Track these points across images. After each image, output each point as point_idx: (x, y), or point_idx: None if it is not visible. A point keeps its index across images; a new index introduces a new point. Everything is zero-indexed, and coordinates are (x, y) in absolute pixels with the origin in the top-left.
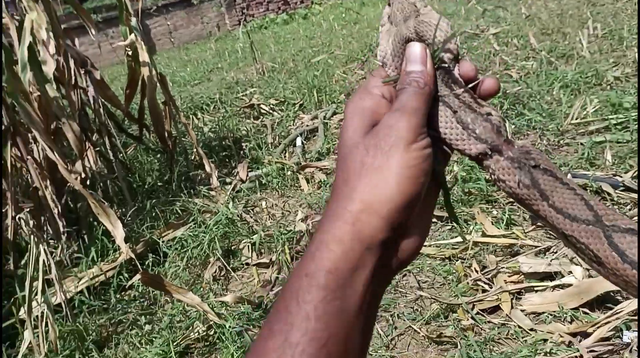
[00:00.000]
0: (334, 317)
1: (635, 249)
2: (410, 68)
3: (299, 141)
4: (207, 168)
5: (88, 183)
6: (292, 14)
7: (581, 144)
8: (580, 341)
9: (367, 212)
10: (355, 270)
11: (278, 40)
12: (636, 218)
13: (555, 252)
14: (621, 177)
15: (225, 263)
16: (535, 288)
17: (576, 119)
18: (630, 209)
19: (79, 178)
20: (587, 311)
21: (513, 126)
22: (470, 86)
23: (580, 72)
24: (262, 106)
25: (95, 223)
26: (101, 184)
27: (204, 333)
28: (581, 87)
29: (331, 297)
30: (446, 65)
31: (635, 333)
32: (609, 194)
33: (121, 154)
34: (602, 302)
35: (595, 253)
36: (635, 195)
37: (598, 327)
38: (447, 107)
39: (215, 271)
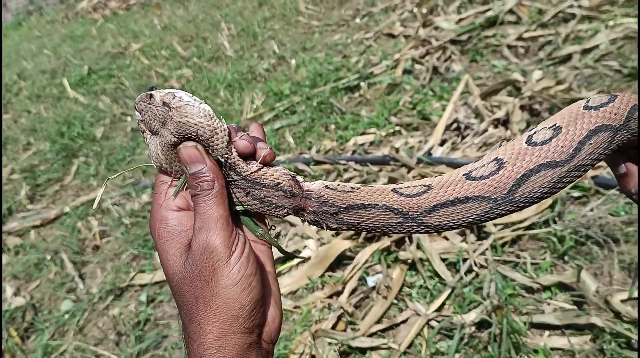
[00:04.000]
0: None
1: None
2: (193, 170)
3: None
4: None
5: None
6: None
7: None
8: (337, 299)
9: (224, 336)
10: None
11: None
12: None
13: (286, 235)
14: (308, 154)
15: None
16: (283, 271)
17: (250, 113)
18: (325, 179)
19: None
20: (332, 273)
21: None
22: (253, 166)
23: (236, 72)
24: None
25: None
26: None
27: None
28: (242, 85)
29: None
30: (224, 152)
31: (378, 276)
32: (303, 171)
33: None
34: (340, 262)
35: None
36: (327, 166)
37: (346, 283)
38: (241, 190)
39: None
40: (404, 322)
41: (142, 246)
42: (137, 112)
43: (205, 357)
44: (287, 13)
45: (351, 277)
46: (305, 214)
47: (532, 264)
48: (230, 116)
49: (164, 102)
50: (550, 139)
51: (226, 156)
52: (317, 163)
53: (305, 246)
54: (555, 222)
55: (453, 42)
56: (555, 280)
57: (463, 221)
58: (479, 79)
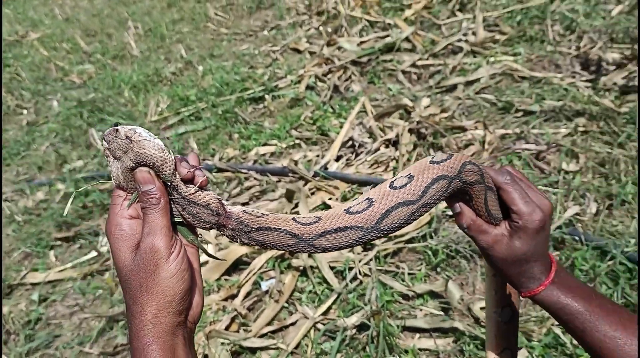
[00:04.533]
0: None
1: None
2: (144, 188)
3: None
4: None
5: None
6: None
7: (167, 138)
8: (232, 302)
9: (160, 315)
10: (175, 350)
11: None
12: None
13: None
14: (211, 161)
15: None
16: None
17: (155, 116)
18: (226, 186)
19: None
20: (228, 277)
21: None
22: (190, 189)
23: (142, 73)
24: None
25: None
26: None
27: None
28: (148, 86)
29: None
30: (170, 177)
31: (272, 281)
32: (214, 175)
33: None
34: (236, 266)
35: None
36: (228, 174)
37: (242, 287)
38: (179, 206)
39: None
40: (293, 324)
41: (35, 245)
42: (104, 142)
43: (144, 331)
44: (196, 17)
45: (246, 281)
46: (225, 230)
47: (409, 274)
48: (133, 118)
49: (127, 136)
50: (406, 184)
51: (171, 180)
52: (220, 170)
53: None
54: (431, 237)
55: (354, 62)
56: (427, 288)
57: (343, 244)
58: (375, 100)
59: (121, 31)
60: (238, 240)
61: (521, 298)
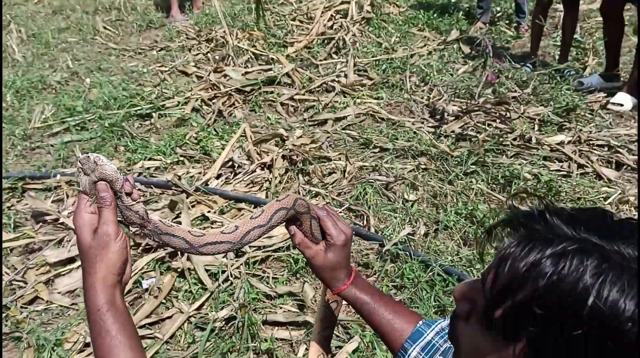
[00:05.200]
0: (120, 318)
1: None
2: (101, 194)
3: None
4: None
5: None
6: None
7: (51, 145)
8: None
9: (107, 275)
10: (114, 297)
11: None
12: None
13: (70, 240)
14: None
15: None
16: (63, 273)
17: (38, 123)
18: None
19: None
20: None
21: None
22: (129, 199)
23: (26, 79)
24: None
25: None
26: None
27: None
28: (32, 93)
29: (113, 312)
30: (119, 189)
31: (152, 280)
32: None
33: None
34: None
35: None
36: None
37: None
38: (121, 209)
39: None
40: (169, 317)
41: None
42: (79, 163)
43: (95, 284)
44: (83, 29)
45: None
46: (145, 230)
47: (273, 278)
48: (16, 122)
49: (94, 161)
50: (259, 215)
51: (119, 191)
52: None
53: None
54: (294, 248)
55: (238, 90)
56: (287, 290)
57: (218, 251)
58: (255, 126)
59: (5, 35)
60: (152, 238)
61: (333, 294)
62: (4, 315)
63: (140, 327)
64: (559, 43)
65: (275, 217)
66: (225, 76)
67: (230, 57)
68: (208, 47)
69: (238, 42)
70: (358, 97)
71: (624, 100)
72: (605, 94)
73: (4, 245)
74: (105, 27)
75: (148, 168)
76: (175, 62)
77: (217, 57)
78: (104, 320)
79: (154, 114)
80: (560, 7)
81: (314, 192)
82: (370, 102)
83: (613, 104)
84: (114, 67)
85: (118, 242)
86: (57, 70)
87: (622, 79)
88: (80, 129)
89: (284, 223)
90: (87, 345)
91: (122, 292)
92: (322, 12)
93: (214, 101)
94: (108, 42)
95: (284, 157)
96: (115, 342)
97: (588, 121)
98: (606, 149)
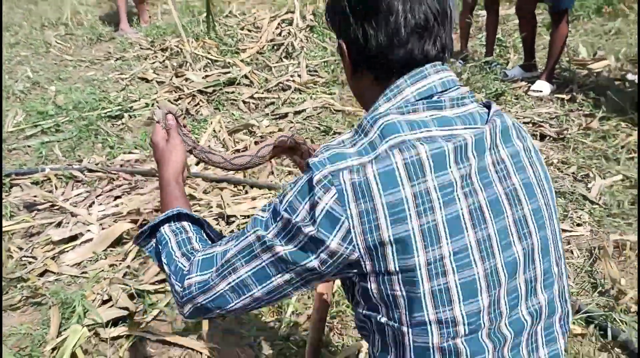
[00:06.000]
0: (182, 191)
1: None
2: (169, 122)
3: None
4: None
5: None
6: None
7: (28, 146)
8: (121, 263)
9: (175, 169)
10: (181, 189)
11: None
12: None
13: (69, 222)
14: (79, 164)
15: None
16: (66, 249)
17: (11, 127)
18: (98, 184)
19: None
20: (113, 249)
21: None
22: (185, 131)
23: None
24: None
25: None
26: None
27: None
28: None
29: (178, 187)
30: (179, 122)
31: None
32: (76, 176)
33: None
34: (119, 242)
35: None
36: (99, 174)
37: (128, 254)
38: (180, 136)
39: None
40: None
41: None
42: (157, 108)
43: (168, 173)
44: (34, 43)
45: (131, 250)
46: (195, 150)
47: None
48: None
49: (165, 105)
50: (265, 146)
51: (180, 125)
52: (90, 171)
53: (88, 230)
54: None
55: (200, 92)
56: None
57: (244, 161)
58: (221, 122)
59: None
60: (199, 156)
61: None
62: (19, 285)
63: (154, 283)
64: (484, 42)
65: (278, 142)
66: (186, 79)
67: (188, 64)
68: (164, 55)
69: (194, 49)
70: (313, 94)
71: (543, 87)
72: (527, 83)
73: (4, 229)
74: (57, 42)
75: (128, 161)
76: (134, 70)
77: (175, 64)
78: (172, 189)
79: (125, 114)
80: (483, 12)
81: (286, 171)
82: (324, 97)
83: (533, 91)
84: (73, 77)
85: (181, 150)
86: (19, 81)
87: (539, 69)
88: (55, 131)
89: (290, 158)
90: (105, 301)
91: (181, 182)
92: (269, 22)
93: (179, 101)
94: (62, 54)
95: (256, 143)
96: (181, 201)
97: (514, 104)
98: (531, 124)
